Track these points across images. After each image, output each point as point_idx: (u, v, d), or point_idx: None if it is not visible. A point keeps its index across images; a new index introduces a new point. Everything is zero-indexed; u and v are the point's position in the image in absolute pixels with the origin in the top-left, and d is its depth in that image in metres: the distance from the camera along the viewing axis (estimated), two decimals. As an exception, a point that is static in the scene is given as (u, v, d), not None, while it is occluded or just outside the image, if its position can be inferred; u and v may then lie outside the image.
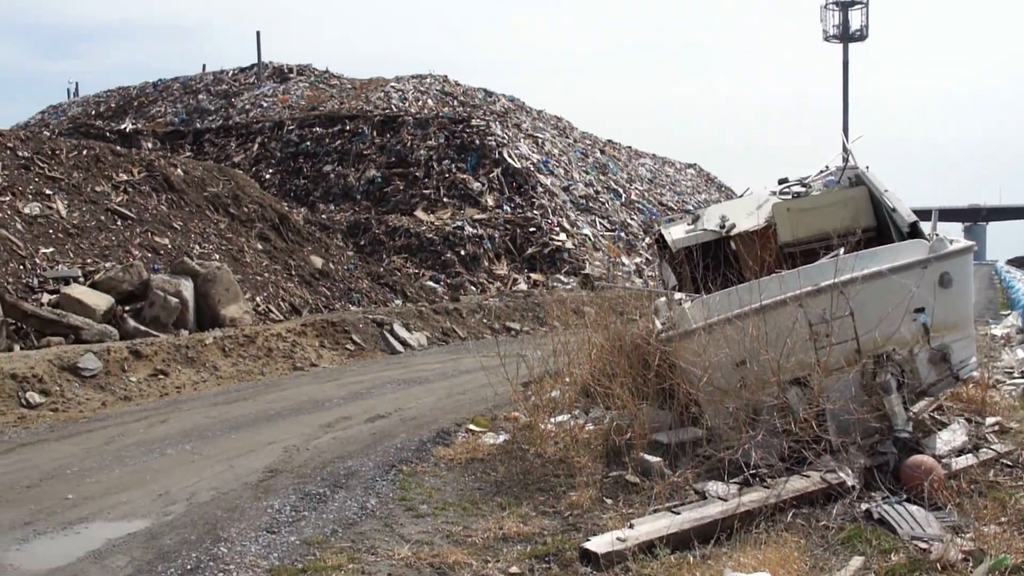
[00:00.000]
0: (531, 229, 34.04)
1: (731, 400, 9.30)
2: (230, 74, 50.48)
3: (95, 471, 10.39)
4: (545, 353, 11.89)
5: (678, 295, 11.36)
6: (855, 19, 60.79)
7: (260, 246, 27.03)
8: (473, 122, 39.31)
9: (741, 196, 15.18)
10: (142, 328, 18.83)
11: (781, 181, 13.51)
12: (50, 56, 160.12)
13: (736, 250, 12.64)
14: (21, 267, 19.97)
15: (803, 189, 13.04)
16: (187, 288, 20.38)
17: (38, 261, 20.48)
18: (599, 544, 7.31)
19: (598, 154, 47.83)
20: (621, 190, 43.48)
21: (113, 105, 49.80)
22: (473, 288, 30.37)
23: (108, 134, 40.83)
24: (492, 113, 42.09)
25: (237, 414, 13.84)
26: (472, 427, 12.06)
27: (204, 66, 52.43)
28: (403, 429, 12.45)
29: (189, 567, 7.27)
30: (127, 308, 19.45)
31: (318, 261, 28.00)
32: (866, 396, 9.17)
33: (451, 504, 8.92)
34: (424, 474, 10.07)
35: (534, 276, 32.05)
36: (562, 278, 31.81)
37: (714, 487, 8.45)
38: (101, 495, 9.37)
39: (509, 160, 37.37)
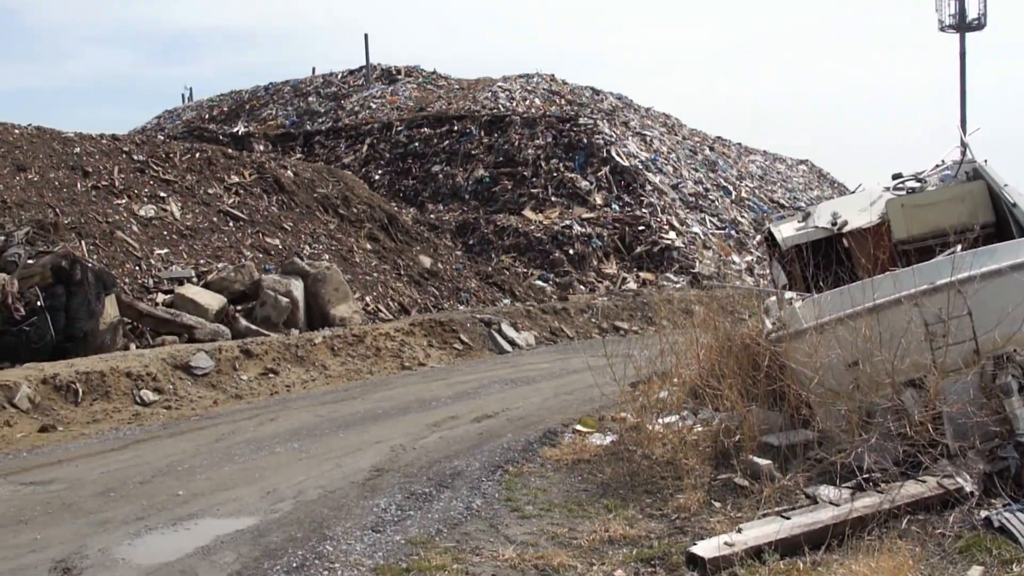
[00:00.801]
0: (640, 228, 33.76)
1: (843, 402, 9.06)
2: (339, 76, 50.86)
3: (205, 468, 10.54)
4: (653, 353, 11.75)
5: (788, 294, 11.16)
6: (972, 7, 59.06)
7: (369, 246, 27.25)
8: (580, 121, 39.13)
9: (854, 192, 14.83)
10: (253, 327, 19.10)
11: (895, 176, 13.16)
12: (165, 62, 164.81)
13: (848, 248, 12.35)
14: (137, 268, 20.42)
15: (918, 184, 12.68)
16: (297, 288, 20.62)
17: (153, 262, 20.93)
18: (706, 548, 7.17)
19: (707, 151, 47.28)
20: (731, 187, 42.90)
21: (226, 109, 50.55)
22: (582, 287, 30.21)
23: (221, 137, 41.49)
24: (600, 111, 41.85)
25: (345, 413, 13.95)
26: (579, 427, 11.97)
27: (314, 69, 52.96)
28: (510, 429, 12.41)
29: (295, 565, 7.31)
30: (239, 308, 19.77)
31: (427, 261, 28.13)
32: (985, 399, 8.85)
33: (557, 505, 8.85)
34: (530, 474, 10.01)
35: (643, 275, 31.78)
36: (671, 277, 31.50)
37: (825, 491, 8.23)
38: (211, 492, 9.49)
39: (617, 158, 37.13)
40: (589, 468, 10.12)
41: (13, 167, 22.43)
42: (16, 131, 24.09)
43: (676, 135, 47.13)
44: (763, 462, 9.07)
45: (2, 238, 17.94)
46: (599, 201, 35.10)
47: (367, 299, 23.81)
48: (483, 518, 8.55)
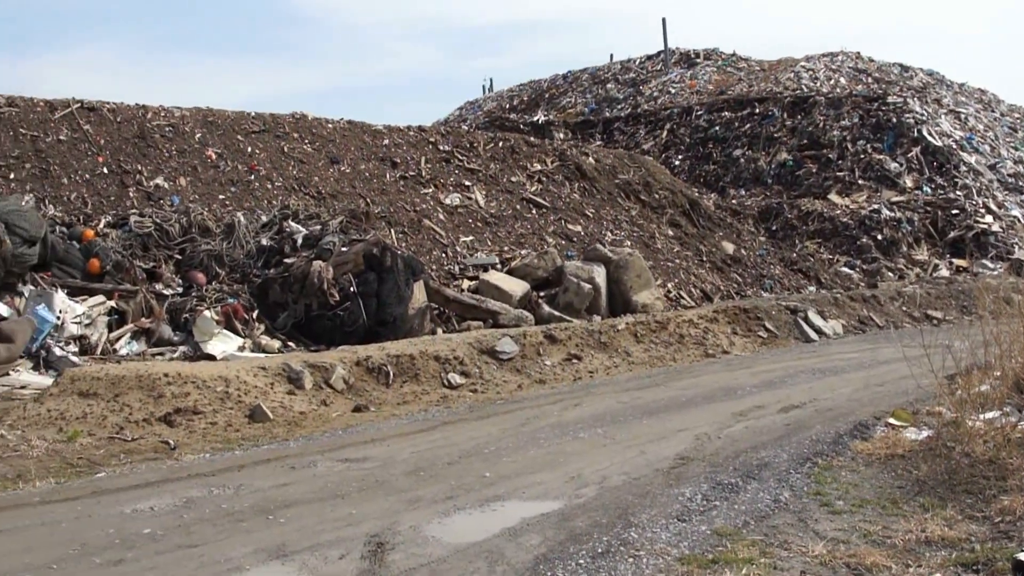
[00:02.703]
0: (953, 211, 32.22)
1: None
2: (637, 62, 50.84)
3: (511, 451, 10.67)
4: (973, 344, 11.12)
5: None
6: None
7: (671, 232, 27.18)
8: (889, 99, 37.69)
9: None
10: (556, 313, 19.35)
11: None
12: (465, 56, 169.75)
13: None
14: (443, 255, 21.08)
15: None
16: (600, 274, 20.75)
17: (458, 249, 21.55)
18: (1036, 555, 6.70)
19: (1029, 128, 44.61)
20: (1056, 167, 40.33)
21: (525, 98, 51.37)
22: (890, 274, 29.14)
23: (521, 126, 42.21)
24: (909, 89, 40.14)
25: (648, 400, 13.89)
26: (892, 421, 11.47)
27: (611, 56, 53.18)
28: (818, 420, 12.03)
29: (600, 550, 7.26)
30: (541, 294, 20.08)
31: (729, 247, 27.80)
32: None
33: (869, 502, 8.47)
34: (840, 468, 9.64)
35: (957, 262, 30.36)
36: (987, 263, 29.92)
37: None
38: (516, 475, 9.59)
39: (929, 138, 35.56)
40: (903, 464, 9.66)
41: (327, 160, 23.60)
42: (329, 125, 25.32)
43: (993, 111, 44.64)
44: (1099, 463, 8.42)
45: (318, 227, 18.83)
46: (909, 184, 33.77)
47: (669, 285, 23.75)
48: (791, 511, 8.28)
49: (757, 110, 39.17)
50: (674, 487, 9.00)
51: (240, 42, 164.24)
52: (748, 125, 38.53)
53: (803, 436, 11.13)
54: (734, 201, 33.76)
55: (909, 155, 34.90)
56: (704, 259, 26.46)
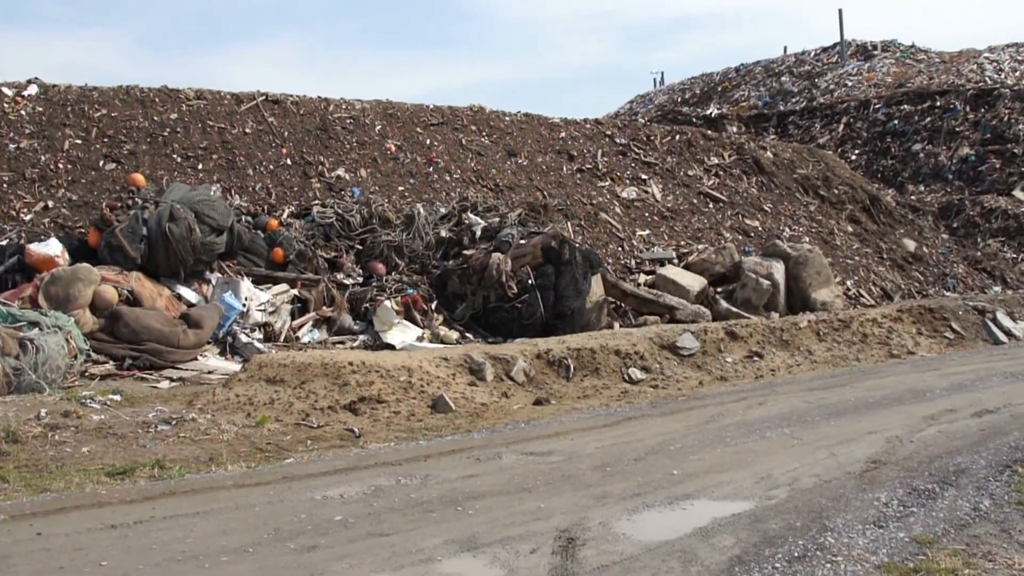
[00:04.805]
0: None
1: None
2: (812, 54, 49.93)
3: (696, 448, 10.54)
4: None
5: None
6: None
7: (850, 228, 26.69)
8: (1081, 92, 36.29)
9: None
10: (733, 309, 19.16)
11: None
12: (636, 49, 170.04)
13: None
14: (619, 248, 21.03)
15: None
16: (778, 271, 20.49)
17: (635, 243, 21.45)
18: None
19: None
20: None
21: (697, 91, 50.92)
22: (1087, 276, 28.05)
23: (694, 120, 41.90)
24: (1103, 81, 38.62)
25: (834, 400, 13.60)
26: (1097, 427, 11.01)
27: (785, 48, 52.42)
28: (1015, 426, 11.56)
29: (796, 554, 7.10)
30: (719, 289, 19.91)
31: (911, 244, 27.13)
32: None
33: (1078, 513, 8.13)
34: (1043, 477, 9.27)
35: None
36: None
37: None
38: (703, 473, 9.46)
39: (1116, 132, 34.13)
40: (1110, 474, 9.25)
41: (505, 152, 23.76)
42: (507, 118, 25.49)
43: None
44: None
45: (496, 219, 18.99)
46: (1103, 179, 32.44)
47: (848, 283, 23.29)
48: (993, 521, 7.97)
49: (938, 103, 38.05)
50: (868, 491, 8.76)
51: (414, 37, 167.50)
52: (928, 119, 37.50)
53: (1000, 442, 10.72)
54: (913, 197, 32.94)
55: (1102, 150, 33.56)
56: (884, 256, 25.88)
